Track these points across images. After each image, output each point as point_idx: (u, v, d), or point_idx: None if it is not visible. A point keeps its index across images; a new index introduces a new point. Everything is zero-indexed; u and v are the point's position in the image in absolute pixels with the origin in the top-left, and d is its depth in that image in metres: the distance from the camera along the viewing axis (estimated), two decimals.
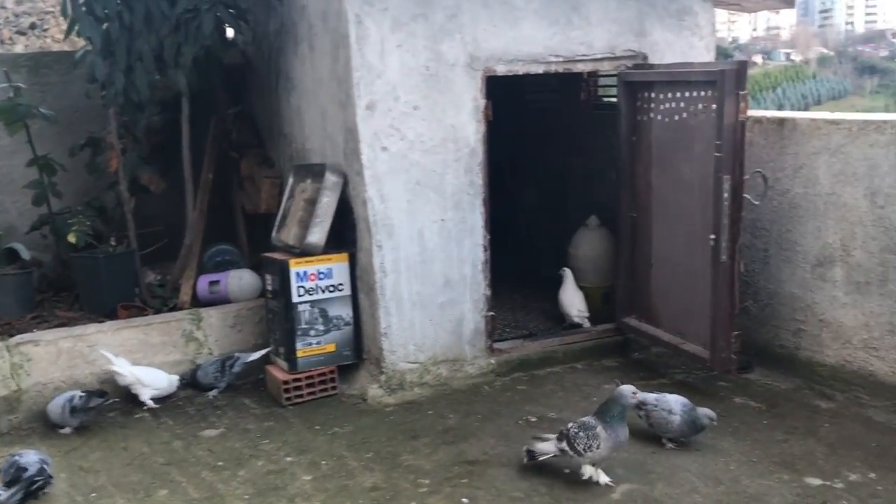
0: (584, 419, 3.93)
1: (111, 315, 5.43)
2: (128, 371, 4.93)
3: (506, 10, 5.03)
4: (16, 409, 4.80)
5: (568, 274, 5.84)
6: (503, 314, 6.03)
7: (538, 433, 4.44)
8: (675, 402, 4.22)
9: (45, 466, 3.94)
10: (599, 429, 3.84)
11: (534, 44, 5.12)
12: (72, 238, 5.52)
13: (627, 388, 3.96)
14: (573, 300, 5.80)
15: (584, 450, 3.84)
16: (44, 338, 4.97)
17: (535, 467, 4.06)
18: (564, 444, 3.90)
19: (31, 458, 3.93)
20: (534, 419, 4.65)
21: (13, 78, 5.74)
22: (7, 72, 5.68)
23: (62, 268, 6.06)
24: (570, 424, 3.94)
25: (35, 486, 3.79)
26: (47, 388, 4.88)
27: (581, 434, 3.85)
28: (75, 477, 4.17)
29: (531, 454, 4.04)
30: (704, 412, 4.22)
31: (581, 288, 5.84)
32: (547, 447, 4.01)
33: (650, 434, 4.31)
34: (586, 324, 5.68)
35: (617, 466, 4.02)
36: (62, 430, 4.65)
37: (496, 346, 5.33)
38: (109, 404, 4.75)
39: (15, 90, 5.56)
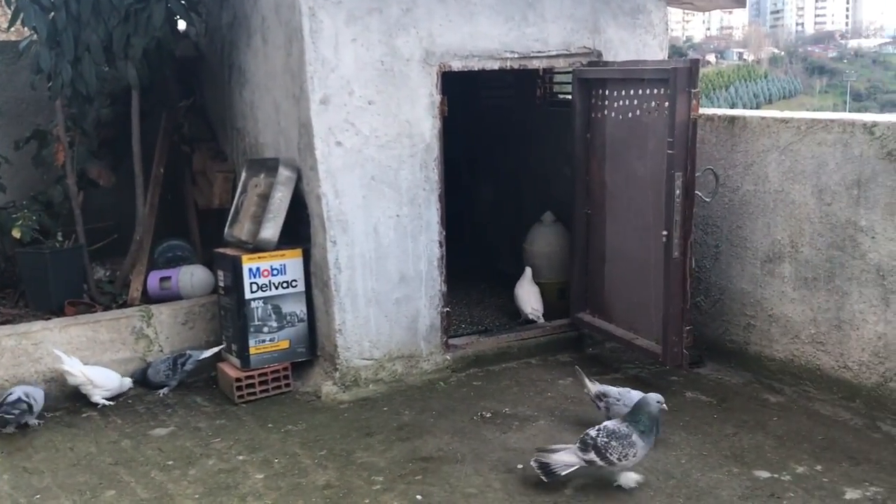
0: (613, 426, 3.75)
1: (58, 312, 5.30)
2: (79, 371, 4.81)
3: (461, 5, 5.02)
4: None
5: (527, 271, 5.86)
6: (459, 310, 6.04)
7: (493, 428, 4.46)
8: (637, 399, 4.25)
9: None
10: (635, 436, 3.69)
11: (489, 40, 5.12)
12: (16, 233, 5.36)
13: (654, 396, 3.83)
14: (528, 297, 5.82)
15: (618, 459, 3.67)
16: None
17: (495, 462, 4.07)
18: (592, 455, 3.68)
19: None
20: (489, 415, 4.66)
21: None
22: None
23: (6, 264, 5.88)
24: (593, 432, 3.74)
25: None
26: None
27: (613, 443, 3.67)
28: (18, 478, 4.06)
29: (546, 468, 3.72)
30: (654, 397, 4.03)
31: (537, 284, 5.85)
32: (567, 458, 3.72)
33: None
34: (540, 321, 5.71)
35: None
36: (4, 430, 4.52)
37: (451, 342, 5.33)
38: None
39: None
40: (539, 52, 5.26)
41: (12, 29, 6.53)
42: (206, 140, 6.50)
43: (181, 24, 5.87)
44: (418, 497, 3.81)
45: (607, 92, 5.18)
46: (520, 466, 4.04)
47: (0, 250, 5.93)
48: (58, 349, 4.87)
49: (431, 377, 5.19)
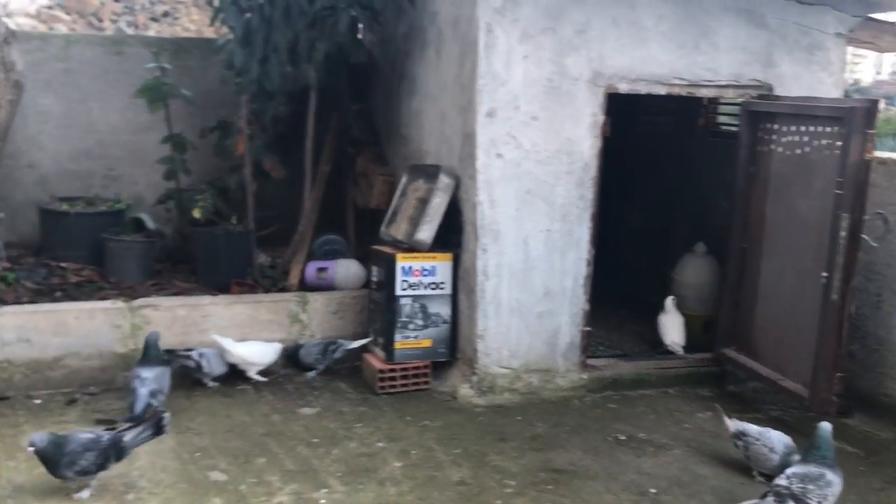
0: (802, 470, 3.64)
1: (224, 289, 5.70)
2: (235, 351, 5.15)
3: (634, 30, 5.07)
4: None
5: (672, 301, 5.80)
6: (597, 333, 6.01)
7: (627, 451, 4.47)
8: (777, 441, 4.15)
9: (151, 401, 4.42)
10: (830, 475, 3.60)
11: (659, 65, 5.14)
12: (197, 213, 5.83)
13: (827, 425, 3.72)
14: (671, 327, 5.74)
15: (818, 502, 3.54)
16: (163, 303, 5.27)
17: (628, 483, 4.08)
18: None
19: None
20: (623, 437, 4.66)
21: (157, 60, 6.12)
22: (156, 53, 6.05)
23: (181, 241, 6.39)
24: (783, 482, 3.61)
25: (164, 424, 3.94)
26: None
27: (811, 486, 3.56)
28: (182, 436, 4.41)
29: None
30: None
31: (682, 315, 5.77)
32: None
33: (741, 464, 4.26)
34: (679, 352, 5.64)
35: (706, 493, 4.00)
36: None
37: (589, 362, 5.36)
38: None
39: (161, 70, 5.92)
40: (708, 81, 5.24)
41: (197, 28, 7.12)
42: (370, 144, 6.81)
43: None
44: None
45: (776, 126, 5.08)
46: (653, 491, 4.03)
47: (177, 228, 6.46)
48: (219, 326, 5.24)
49: (566, 394, 5.23)
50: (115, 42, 6.64)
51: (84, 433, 3.79)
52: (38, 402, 4.82)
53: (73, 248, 5.92)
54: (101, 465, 3.73)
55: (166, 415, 3.97)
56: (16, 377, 4.91)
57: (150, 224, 6.17)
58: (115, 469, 3.92)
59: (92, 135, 6.57)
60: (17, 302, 5.15)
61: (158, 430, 3.89)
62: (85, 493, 3.71)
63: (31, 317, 4.94)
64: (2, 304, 5.03)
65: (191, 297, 5.44)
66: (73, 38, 6.57)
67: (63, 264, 5.83)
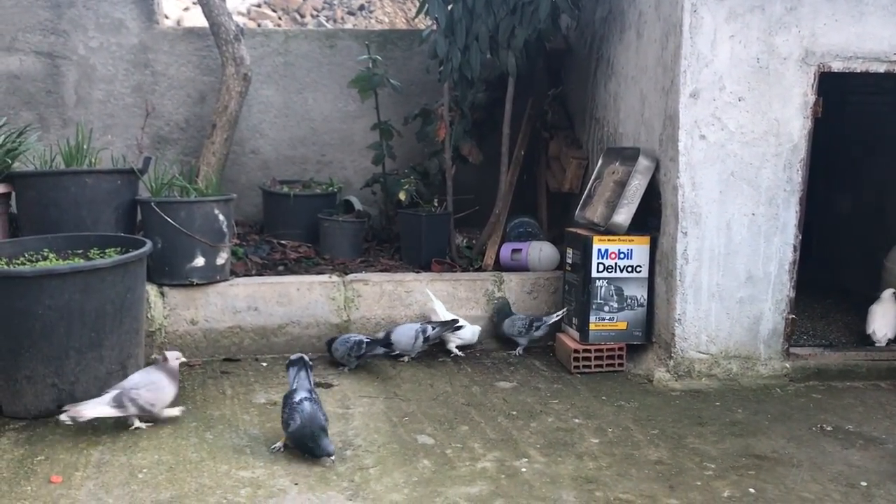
0: None
1: (425, 267, 6.03)
2: (443, 316, 5.44)
3: (850, 4, 4.83)
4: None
5: (887, 291, 5.49)
6: (801, 321, 5.82)
7: (833, 442, 4.32)
8: None
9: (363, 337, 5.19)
10: None
11: (878, 41, 4.87)
12: (402, 196, 6.18)
13: None
14: (879, 317, 5.45)
15: None
16: (372, 278, 5.65)
17: (835, 474, 3.96)
18: None
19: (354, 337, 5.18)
20: (829, 428, 4.49)
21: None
22: (368, 45, 6.46)
23: (385, 222, 6.80)
24: None
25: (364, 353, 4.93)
26: (370, 322, 5.57)
27: None
28: (391, 402, 4.74)
29: None
30: None
31: None
32: None
33: None
34: (882, 343, 5.34)
35: None
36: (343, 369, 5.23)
37: (793, 350, 5.19)
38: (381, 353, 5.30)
39: (373, 62, 6.32)
40: None
41: (389, 20, 7.47)
42: (564, 128, 6.91)
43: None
44: (751, 490, 3.82)
45: None
46: (864, 484, 3.88)
47: (381, 210, 6.88)
48: (430, 290, 5.57)
49: (767, 382, 5.10)
50: (328, 36, 7.13)
51: (301, 389, 4.12)
52: (264, 364, 5.35)
53: (292, 227, 6.48)
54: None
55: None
56: (245, 341, 5.47)
57: (358, 206, 6.63)
58: (334, 427, 4.31)
59: (307, 123, 7.13)
60: (247, 274, 5.73)
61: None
62: None
63: (259, 287, 5.47)
64: (234, 275, 5.59)
65: (396, 274, 5.79)
66: (291, 33, 7.12)
67: (283, 241, 6.40)
